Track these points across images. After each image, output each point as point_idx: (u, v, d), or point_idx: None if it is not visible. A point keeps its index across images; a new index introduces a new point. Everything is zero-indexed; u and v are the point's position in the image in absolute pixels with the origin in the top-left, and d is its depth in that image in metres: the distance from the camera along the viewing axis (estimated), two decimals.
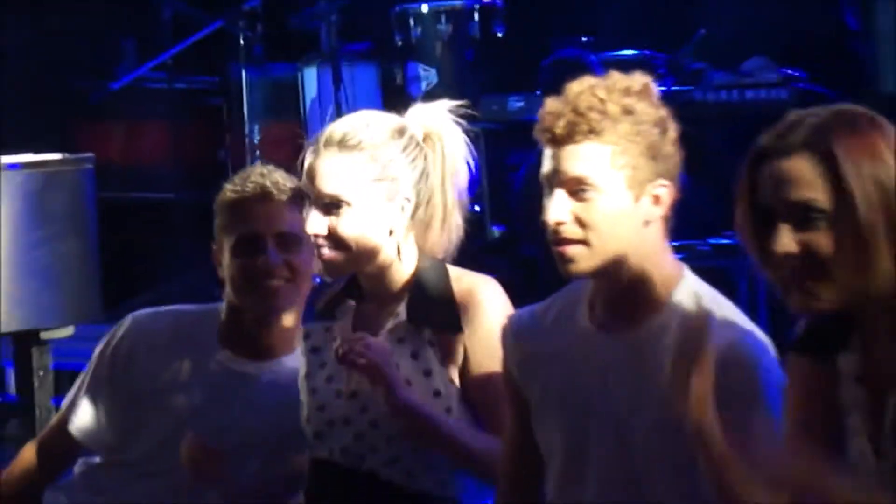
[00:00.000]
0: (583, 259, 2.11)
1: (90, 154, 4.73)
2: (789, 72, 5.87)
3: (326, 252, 2.46)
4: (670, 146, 2.13)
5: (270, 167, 2.90)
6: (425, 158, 2.60)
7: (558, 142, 2.09)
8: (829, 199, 1.78)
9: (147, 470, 3.01)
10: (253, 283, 2.79)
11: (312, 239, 2.47)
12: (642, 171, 2.11)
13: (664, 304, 2.21)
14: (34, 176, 4.53)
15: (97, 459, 3.10)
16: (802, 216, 1.76)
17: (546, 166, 2.11)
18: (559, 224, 2.09)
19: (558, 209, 2.08)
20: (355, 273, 2.59)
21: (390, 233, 2.51)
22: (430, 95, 5.69)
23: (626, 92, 2.11)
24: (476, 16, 6.43)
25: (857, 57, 6.16)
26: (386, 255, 2.47)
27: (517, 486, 2.46)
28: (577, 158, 2.07)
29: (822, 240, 1.79)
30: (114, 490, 3.03)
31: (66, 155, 4.65)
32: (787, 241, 1.85)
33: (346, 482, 2.67)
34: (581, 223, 2.08)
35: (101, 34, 7.85)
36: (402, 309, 2.55)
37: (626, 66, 6.17)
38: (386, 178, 2.54)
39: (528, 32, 6.62)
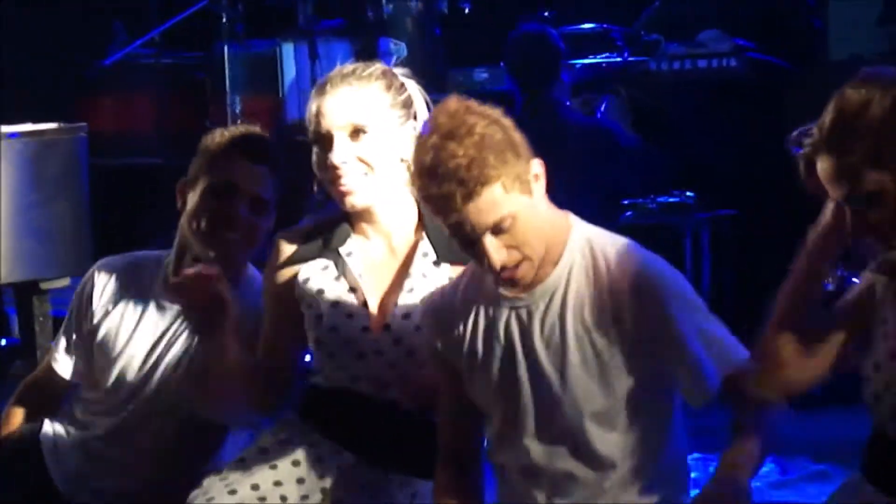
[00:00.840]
0: (531, 270, 2.29)
1: (83, 123, 4.96)
2: (741, 42, 5.92)
3: (350, 182, 2.54)
4: (514, 133, 2.27)
5: (261, 132, 3.05)
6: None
7: (461, 208, 2.24)
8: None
9: (109, 402, 3.22)
10: (214, 228, 2.90)
11: (333, 172, 2.55)
12: (520, 173, 2.26)
13: (562, 256, 2.36)
14: (32, 143, 4.73)
15: (81, 393, 3.32)
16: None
17: (465, 226, 2.26)
18: (504, 266, 2.25)
19: (496, 255, 2.23)
20: (347, 214, 2.69)
21: (401, 160, 2.61)
22: (400, 68, 6.01)
23: (470, 131, 2.24)
24: None
25: (809, 26, 6.28)
26: (398, 184, 2.58)
27: (458, 445, 2.59)
28: (484, 210, 2.22)
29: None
30: (84, 423, 3.26)
31: (62, 124, 4.84)
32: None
33: (367, 410, 2.79)
34: (517, 249, 2.24)
35: (94, 14, 8.03)
36: (425, 246, 2.66)
37: (585, 39, 6.07)
38: (397, 104, 2.68)
39: (492, 7, 6.78)
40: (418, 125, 2.67)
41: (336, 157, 2.53)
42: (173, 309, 3.04)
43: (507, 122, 2.32)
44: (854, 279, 2.30)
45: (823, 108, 2.34)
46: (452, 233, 2.36)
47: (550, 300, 2.43)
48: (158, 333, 3.18)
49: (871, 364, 2.27)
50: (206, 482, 2.84)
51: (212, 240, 2.91)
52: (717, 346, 2.43)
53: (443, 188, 2.24)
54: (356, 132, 2.57)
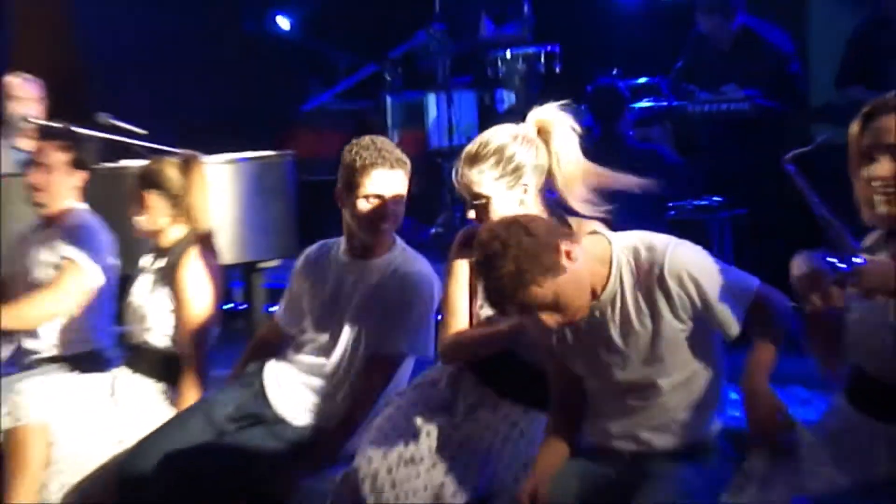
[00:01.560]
0: (584, 311, 2.73)
1: (290, 151, 5.68)
2: (749, 92, 6.55)
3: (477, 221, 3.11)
4: (542, 233, 2.64)
5: (388, 141, 3.53)
6: (537, 148, 3.09)
7: (510, 308, 2.69)
8: None
9: (308, 343, 3.71)
10: (373, 224, 3.45)
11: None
12: (551, 265, 2.59)
13: (611, 268, 2.71)
14: (255, 165, 5.37)
15: (295, 339, 3.80)
16: None
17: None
18: (559, 323, 2.68)
19: (550, 322, 2.65)
20: None
21: (520, 203, 3.06)
22: (510, 112, 7.11)
23: (505, 249, 2.56)
24: (542, 58, 7.74)
25: (797, 79, 6.87)
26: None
27: (565, 397, 3.03)
28: (530, 306, 2.63)
29: None
30: (296, 361, 3.76)
31: (275, 152, 5.60)
32: (885, 169, 2.44)
33: (504, 359, 3.29)
34: (564, 313, 2.68)
35: (295, 73, 9.54)
36: None
37: (642, 89, 6.79)
38: (506, 173, 3.06)
39: (576, 68, 7.68)
40: (532, 179, 3.12)
41: (468, 214, 3.13)
42: (350, 277, 3.55)
43: (538, 225, 2.64)
44: (856, 259, 2.44)
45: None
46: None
47: (613, 300, 2.78)
48: (334, 292, 3.69)
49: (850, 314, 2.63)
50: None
51: (371, 230, 3.51)
52: (735, 289, 2.78)
53: (491, 297, 2.70)
54: (477, 197, 3.09)
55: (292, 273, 3.86)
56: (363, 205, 3.38)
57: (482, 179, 3.07)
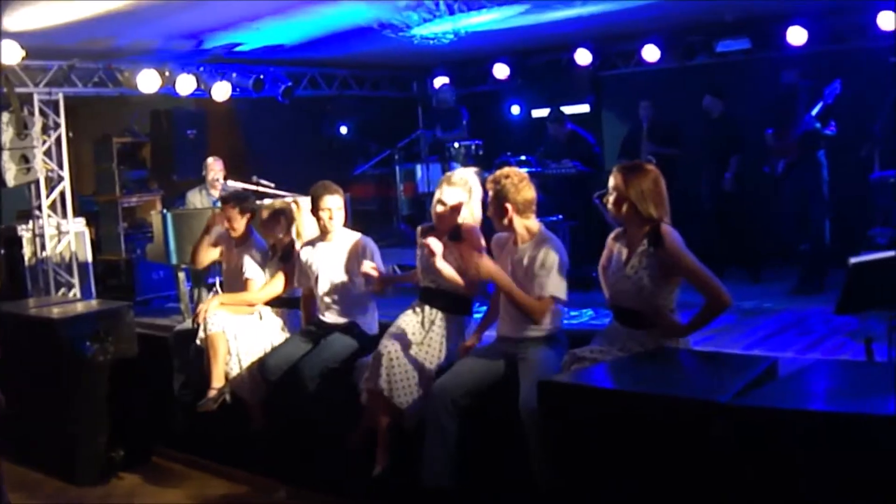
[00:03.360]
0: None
1: (348, 194, 6.38)
2: (573, 163, 9.33)
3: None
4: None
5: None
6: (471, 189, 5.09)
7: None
8: None
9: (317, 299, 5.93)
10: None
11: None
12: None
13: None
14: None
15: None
16: None
17: None
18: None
19: None
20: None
21: (471, 214, 5.04)
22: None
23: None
24: (473, 147, 10.54)
25: (596, 155, 9.94)
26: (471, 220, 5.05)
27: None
28: None
29: None
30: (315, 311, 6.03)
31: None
32: (611, 199, 4.08)
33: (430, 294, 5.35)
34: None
35: (349, 154, 12.39)
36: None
37: (522, 163, 9.23)
38: (466, 193, 5.11)
39: (489, 151, 10.44)
40: (472, 197, 5.05)
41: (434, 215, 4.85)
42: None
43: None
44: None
45: (602, 186, 4.60)
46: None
47: (527, 247, 4.34)
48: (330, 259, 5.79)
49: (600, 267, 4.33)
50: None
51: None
52: (555, 277, 4.56)
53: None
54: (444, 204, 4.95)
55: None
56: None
57: (454, 196, 5.08)
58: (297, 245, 6.33)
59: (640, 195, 4.41)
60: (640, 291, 4.43)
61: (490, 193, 4.88)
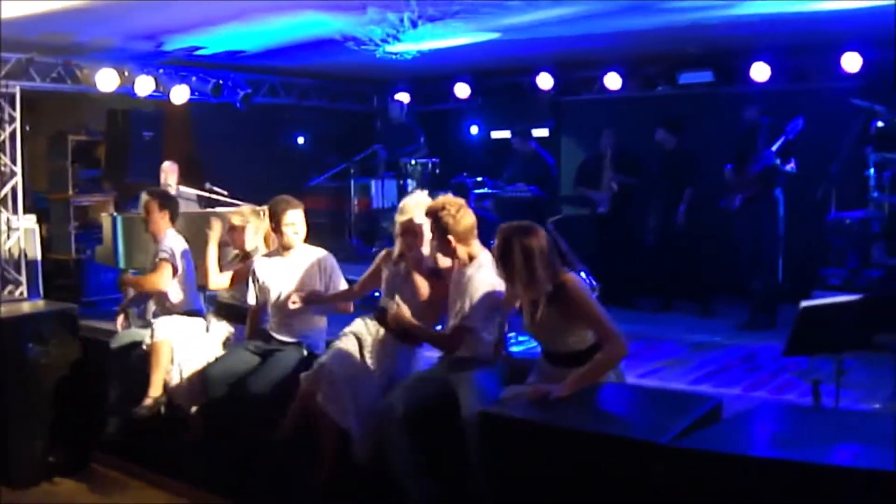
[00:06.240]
0: None
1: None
2: (531, 188, 9.34)
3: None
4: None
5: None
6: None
7: None
8: None
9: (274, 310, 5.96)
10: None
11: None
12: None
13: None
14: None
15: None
16: None
17: None
18: None
19: None
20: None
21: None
22: (411, 193, 7.19)
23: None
24: (430, 165, 10.39)
25: (554, 178, 10.00)
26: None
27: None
28: None
29: None
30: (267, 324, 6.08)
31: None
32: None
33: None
34: None
35: (303, 165, 12.16)
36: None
37: (479, 184, 9.69)
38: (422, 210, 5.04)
39: (445, 171, 10.42)
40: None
41: (396, 240, 4.98)
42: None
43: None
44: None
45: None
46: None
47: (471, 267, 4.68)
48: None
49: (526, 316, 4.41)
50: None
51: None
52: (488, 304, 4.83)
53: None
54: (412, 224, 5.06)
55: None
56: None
57: (418, 215, 5.09)
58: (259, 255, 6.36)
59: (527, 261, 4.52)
60: (553, 336, 4.56)
61: (430, 224, 4.98)
